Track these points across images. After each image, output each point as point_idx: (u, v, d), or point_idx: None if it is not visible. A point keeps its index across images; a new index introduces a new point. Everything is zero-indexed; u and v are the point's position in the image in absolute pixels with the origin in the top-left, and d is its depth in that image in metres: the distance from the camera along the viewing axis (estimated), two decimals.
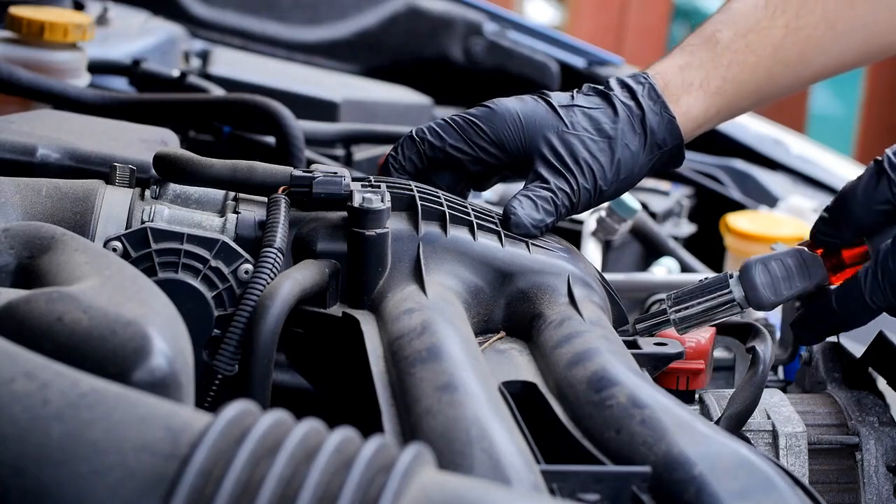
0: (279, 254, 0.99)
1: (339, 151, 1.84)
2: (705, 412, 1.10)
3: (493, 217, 1.08)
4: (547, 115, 1.15)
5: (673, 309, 1.10)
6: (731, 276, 1.09)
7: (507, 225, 1.09)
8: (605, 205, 1.64)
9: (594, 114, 1.16)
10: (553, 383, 0.94)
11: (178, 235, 0.99)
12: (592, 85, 1.19)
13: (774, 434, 1.09)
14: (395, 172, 1.15)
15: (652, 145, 1.16)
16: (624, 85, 1.18)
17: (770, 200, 2.12)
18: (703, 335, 1.11)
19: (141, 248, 0.98)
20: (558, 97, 1.17)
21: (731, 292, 1.08)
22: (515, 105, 1.16)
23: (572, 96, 1.17)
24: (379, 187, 1.05)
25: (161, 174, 1.06)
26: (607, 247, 1.71)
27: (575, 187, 1.12)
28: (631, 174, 1.15)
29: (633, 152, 1.15)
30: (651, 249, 1.72)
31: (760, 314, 1.40)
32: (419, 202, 1.05)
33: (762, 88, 1.06)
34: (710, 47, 1.21)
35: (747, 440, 1.07)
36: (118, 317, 0.74)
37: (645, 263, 1.77)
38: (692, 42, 1.23)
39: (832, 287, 1.08)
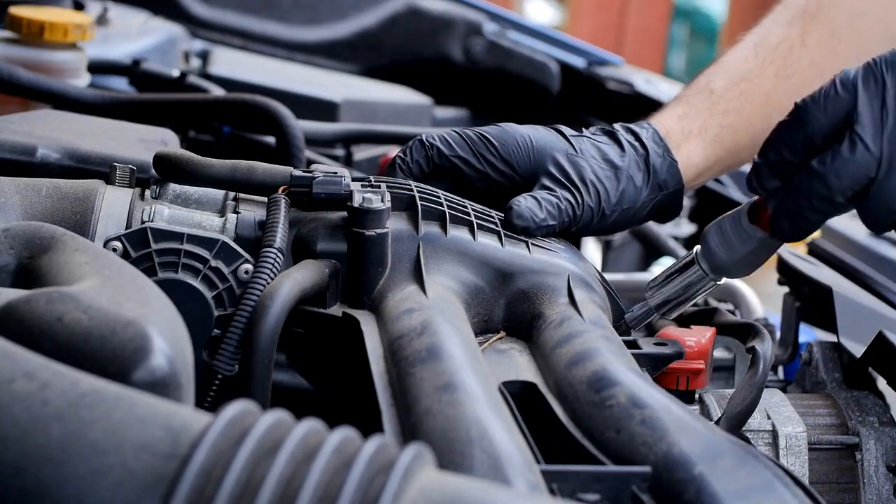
0: (279, 254, 0.99)
1: (339, 151, 1.84)
2: (705, 412, 1.10)
3: (492, 217, 1.08)
4: (557, 140, 1.17)
5: (650, 294, 1.11)
6: (697, 250, 1.09)
7: (509, 216, 1.09)
8: None
9: (602, 146, 1.18)
10: (553, 383, 0.94)
11: (178, 235, 0.99)
12: (601, 126, 1.22)
13: (774, 434, 1.09)
14: (400, 173, 1.16)
15: (654, 185, 1.18)
16: (628, 129, 1.22)
17: None
18: (703, 335, 1.11)
19: (141, 248, 0.98)
20: (568, 130, 1.20)
21: (696, 264, 1.09)
22: (527, 129, 1.18)
23: (581, 131, 1.21)
24: (379, 187, 1.05)
25: (161, 174, 1.06)
26: (607, 247, 1.71)
27: (580, 200, 1.13)
28: (633, 206, 1.18)
29: (637, 187, 1.18)
30: (651, 249, 1.72)
31: (760, 313, 1.40)
32: (419, 202, 1.05)
33: (758, 137, 1.08)
34: (706, 96, 1.25)
35: (747, 440, 1.07)
36: (118, 317, 0.74)
37: (645, 263, 1.78)
38: (687, 93, 1.27)
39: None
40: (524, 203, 1.10)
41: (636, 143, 1.19)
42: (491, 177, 1.16)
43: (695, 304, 1.30)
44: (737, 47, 1.30)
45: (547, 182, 1.15)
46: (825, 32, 1.28)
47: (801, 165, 1.00)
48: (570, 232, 1.15)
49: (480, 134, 1.17)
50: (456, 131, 1.17)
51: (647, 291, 1.12)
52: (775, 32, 1.29)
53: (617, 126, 1.22)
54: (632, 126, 1.22)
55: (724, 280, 1.10)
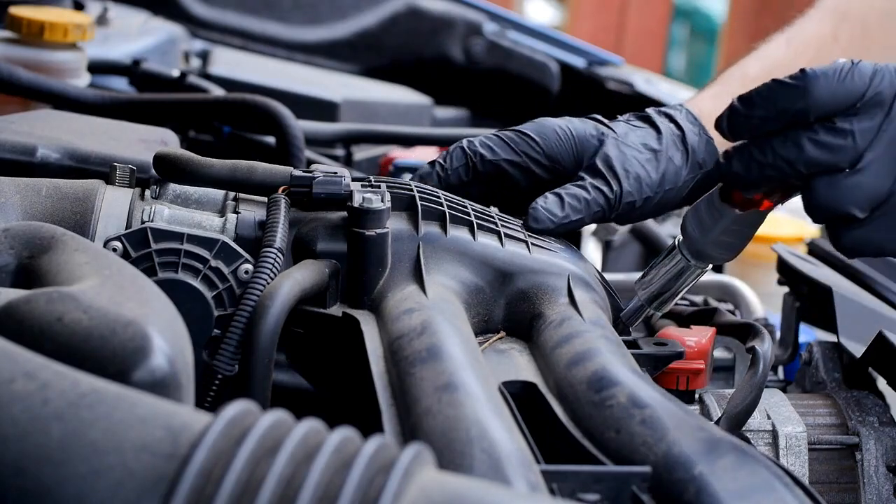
0: (279, 254, 0.99)
1: (339, 151, 1.84)
2: (705, 412, 1.10)
3: (492, 217, 1.08)
4: (595, 129, 1.18)
5: (639, 289, 1.10)
6: (678, 238, 1.09)
7: (526, 220, 1.11)
8: None
9: (639, 131, 1.19)
10: (553, 383, 0.94)
11: (178, 235, 0.99)
12: (634, 113, 1.23)
13: (774, 434, 1.09)
14: (439, 182, 1.16)
15: (693, 164, 1.18)
16: (661, 112, 1.22)
17: None
18: (703, 335, 1.11)
19: (141, 248, 0.98)
20: (602, 119, 1.20)
21: (678, 253, 1.08)
22: (564, 122, 1.18)
23: (616, 117, 1.21)
24: (379, 187, 1.05)
25: (161, 174, 1.06)
26: (607, 247, 1.71)
27: (616, 189, 1.13)
28: (674, 187, 1.17)
29: (677, 167, 1.17)
30: (651, 249, 1.72)
31: (760, 313, 1.40)
32: (419, 202, 1.05)
33: None
34: (740, 79, 1.25)
35: (747, 440, 1.07)
36: (118, 317, 0.74)
37: (645, 263, 1.77)
38: (721, 79, 1.28)
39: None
40: (542, 204, 1.11)
41: (671, 125, 1.19)
42: (535, 174, 1.17)
43: (693, 304, 1.30)
44: (769, 42, 1.31)
45: (584, 173, 1.15)
46: (856, 30, 1.29)
47: (781, 130, 0.98)
48: (615, 219, 1.15)
49: (521, 132, 1.17)
50: (496, 134, 1.17)
51: (636, 287, 1.11)
52: (808, 29, 1.30)
53: (650, 110, 1.22)
54: (664, 109, 1.22)
55: (710, 267, 1.09)
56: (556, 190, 1.13)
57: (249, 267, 0.99)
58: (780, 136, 0.98)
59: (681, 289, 1.10)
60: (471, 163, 1.17)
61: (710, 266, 1.09)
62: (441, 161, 1.17)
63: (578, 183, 1.14)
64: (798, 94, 0.97)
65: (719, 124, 1.01)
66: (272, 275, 0.97)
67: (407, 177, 1.46)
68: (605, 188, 1.13)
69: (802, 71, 0.97)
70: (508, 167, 1.16)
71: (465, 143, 1.17)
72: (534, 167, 1.16)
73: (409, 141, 1.75)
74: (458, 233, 1.05)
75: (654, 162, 1.16)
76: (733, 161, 1.00)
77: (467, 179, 1.17)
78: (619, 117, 1.21)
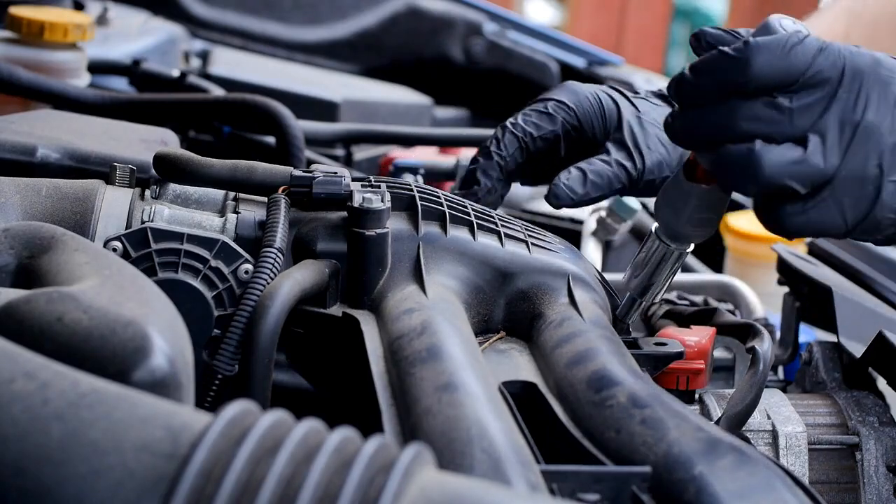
0: (279, 254, 0.99)
1: (339, 151, 1.84)
2: (705, 412, 1.10)
3: (492, 217, 1.08)
4: (620, 101, 1.21)
5: (627, 283, 1.10)
6: (654, 224, 1.09)
7: (547, 196, 1.14)
8: (606, 204, 1.64)
9: (659, 109, 1.21)
10: (553, 383, 0.94)
11: (178, 235, 0.99)
12: (652, 91, 1.25)
13: (774, 434, 1.09)
14: (501, 172, 1.19)
15: None
16: None
17: None
18: (703, 335, 1.11)
19: (141, 248, 0.98)
20: (628, 92, 1.23)
21: (656, 239, 1.08)
22: (593, 89, 1.21)
23: (636, 93, 1.22)
24: (379, 187, 1.05)
25: (161, 174, 1.06)
26: (607, 247, 1.71)
27: (639, 165, 1.16)
28: None
29: None
30: None
31: (760, 313, 1.40)
32: (419, 202, 1.05)
33: None
34: None
35: (747, 440, 1.07)
36: (118, 317, 0.74)
37: None
38: None
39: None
40: (563, 179, 1.13)
41: None
42: (571, 141, 1.20)
43: (693, 304, 1.30)
44: None
45: (610, 146, 1.18)
46: (868, 31, 1.29)
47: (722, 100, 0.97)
48: (633, 193, 1.17)
49: (557, 101, 1.20)
50: (532, 109, 1.20)
51: (624, 283, 1.11)
52: (821, 25, 1.31)
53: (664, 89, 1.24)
54: None
55: (692, 247, 1.07)
56: (580, 164, 1.16)
57: (249, 267, 0.99)
58: (720, 105, 0.97)
59: (666, 274, 1.08)
60: (523, 144, 1.20)
61: (692, 246, 1.08)
62: (497, 150, 1.20)
63: (603, 157, 1.17)
64: (739, 65, 0.95)
65: (668, 89, 1.01)
66: (272, 275, 0.97)
67: (409, 177, 1.47)
68: (628, 164, 1.17)
69: (746, 42, 0.96)
70: (553, 139, 1.20)
71: (509, 125, 1.19)
72: (572, 133, 1.20)
73: (409, 141, 1.75)
74: (458, 233, 1.05)
75: (672, 147, 1.19)
76: (674, 122, 1.00)
77: (522, 161, 1.20)
78: (640, 93, 1.23)
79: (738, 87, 0.96)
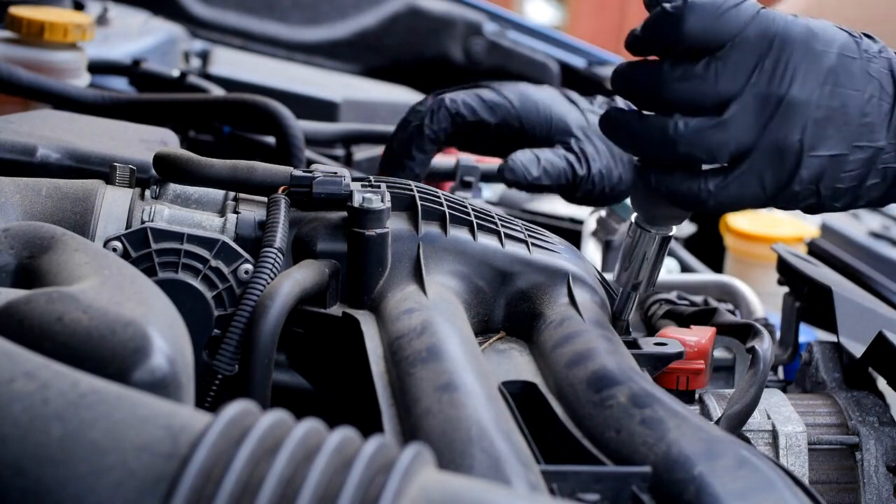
0: (279, 254, 0.99)
1: (339, 151, 1.84)
2: (705, 412, 1.10)
3: (492, 217, 1.08)
4: (572, 111, 1.24)
5: (618, 279, 1.09)
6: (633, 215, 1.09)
7: (502, 168, 1.19)
8: None
9: None
10: (553, 383, 0.94)
11: (178, 235, 0.99)
12: (607, 101, 1.27)
13: (774, 434, 1.09)
14: (425, 140, 1.19)
15: None
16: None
17: None
18: (703, 335, 1.11)
19: (141, 248, 0.98)
20: (582, 101, 1.26)
21: (636, 227, 1.07)
22: (547, 98, 1.24)
23: (591, 102, 1.22)
24: (379, 187, 1.05)
25: (161, 174, 1.06)
26: (607, 247, 1.71)
27: (582, 172, 1.20)
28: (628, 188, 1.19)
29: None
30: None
31: (760, 313, 1.40)
32: (419, 202, 1.05)
33: None
34: None
35: (747, 440, 1.07)
36: (118, 317, 0.74)
37: None
38: None
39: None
40: (520, 158, 1.16)
41: None
42: (511, 130, 1.25)
43: (693, 304, 1.30)
44: None
45: (559, 147, 1.22)
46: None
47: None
48: (573, 200, 1.18)
49: (504, 96, 1.22)
50: (477, 95, 1.22)
51: (616, 279, 1.10)
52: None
53: (619, 101, 1.27)
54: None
55: (674, 231, 1.07)
56: (533, 150, 1.17)
57: (249, 267, 0.99)
58: (652, 65, 0.97)
59: (654, 262, 1.08)
60: (456, 121, 1.27)
61: (674, 230, 1.07)
62: (429, 124, 1.26)
63: (554, 151, 1.20)
64: (672, 22, 0.96)
65: (625, 43, 1.01)
66: (272, 275, 0.97)
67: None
68: (576, 165, 1.20)
69: (684, 1, 0.96)
70: (486, 126, 1.25)
71: (447, 101, 1.21)
72: (511, 125, 1.24)
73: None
74: (458, 233, 1.05)
75: (617, 161, 1.22)
76: (617, 75, 1.00)
77: (452, 132, 1.27)
78: (594, 103, 1.24)
79: (671, 44, 0.96)
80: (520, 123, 1.22)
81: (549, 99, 1.22)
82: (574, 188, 1.16)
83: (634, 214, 1.07)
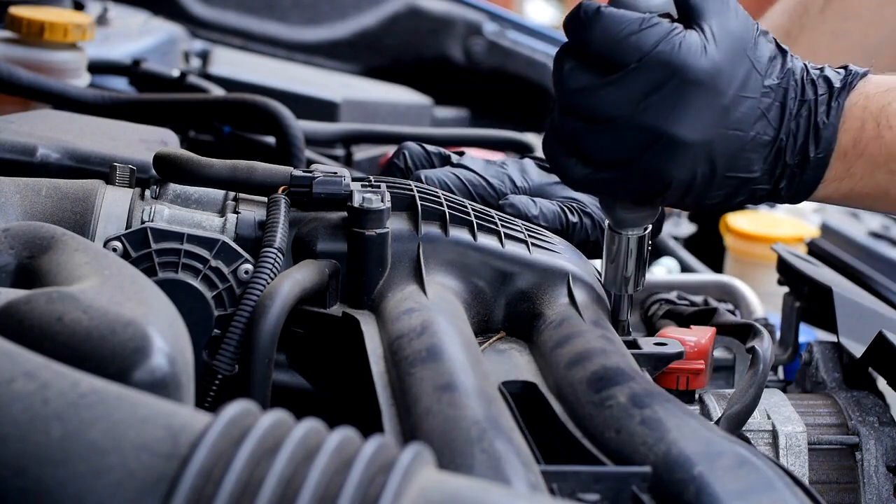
0: (279, 254, 0.99)
1: (339, 151, 1.84)
2: (705, 412, 1.10)
3: (493, 217, 1.08)
4: (553, 186, 1.22)
5: (607, 283, 1.09)
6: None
7: (502, 203, 1.16)
8: None
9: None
10: (553, 383, 0.94)
11: (178, 235, 0.99)
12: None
13: (774, 434, 1.09)
14: None
15: None
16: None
17: None
18: (703, 335, 1.11)
19: (141, 248, 0.98)
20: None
21: (608, 230, 1.08)
22: (530, 173, 1.23)
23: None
24: (379, 187, 1.05)
25: (161, 174, 1.06)
26: None
27: (575, 220, 1.19)
28: None
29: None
30: (651, 249, 1.72)
31: (760, 313, 1.40)
32: (419, 202, 1.05)
33: None
34: None
35: (747, 440, 1.07)
36: (118, 317, 0.74)
37: None
38: None
39: None
40: (519, 198, 1.16)
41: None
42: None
43: (693, 304, 1.30)
44: None
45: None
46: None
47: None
48: (583, 247, 1.18)
49: (486, 180, 1.19)
50: (455, 174, 1.19)
51: (603, 284, 1.10)
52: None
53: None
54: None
55: (647, 229, 1.07)
56: (529, 197, 1.18)
57: (249, 267, 0.99)
58: (561, 60, 0.99)
59: (635, 261, 1.08)
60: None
61: (648, 228, 1.07)
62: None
63: (551, 201, 1.19)
64: (580, 26, 0.96)
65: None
66: (272, 275, 0.97)
67: None
68: (568, 214, 1.19)
69: (598, 8, 0.96)
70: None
71: (423, 176, 1.18)
72: (490, 204, 1.19)
73: (408, 141, 1.75)
74: (459, 233, 1.05)
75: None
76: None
77: None
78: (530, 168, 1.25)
79: (578, 46, 0.97)
80: (497, 197, 1.20)
81: (531, 172, 1.22)
82: (569, 236, 1.16)
83: (607, 220, 1.08)
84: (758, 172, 0.99)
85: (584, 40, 0.96)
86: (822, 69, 1.00)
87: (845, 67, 1.01)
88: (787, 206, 2.03)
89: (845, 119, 0.99)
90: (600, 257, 1.16)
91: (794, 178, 1.00)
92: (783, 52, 1.00)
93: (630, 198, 1.02)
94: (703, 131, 0.96)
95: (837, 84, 0.99)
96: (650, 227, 1.07)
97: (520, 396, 0.93)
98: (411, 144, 1.24)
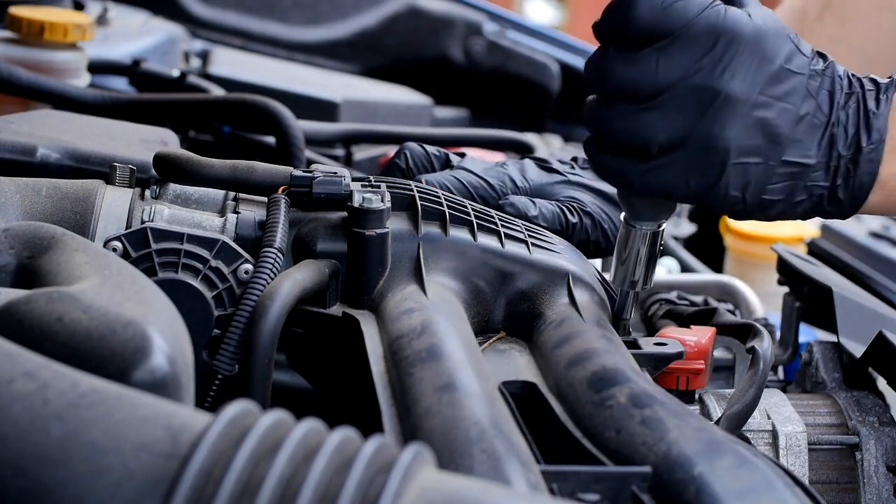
0: (279, 254, 0.99)
1: (339, 151, 1.84)
2: (705, 412, 1.10)
3: (493, 217, 1.08)
4: (553, 186, 1.21)
5: (615, 280, 1.09)
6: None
7: (503, 203, 1.15)
8: None
9: (595, 184, 1.22)
10: (553, 383, 0.94)
11: (178, 235, 0.99)
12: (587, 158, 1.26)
13: (774, 434, 1.09)
14: None
15: None
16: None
17: None
18: (703, 335, 1.11)
19: (141, 248, 0.98)
20: (559, 166, 1.24)
21: (623, 225, 1.08)
22: (530, 174, 1.22)
23: (572, 166, 1.24)
24: (379, 187, 1.05)
25: (161, 174, 1.06)
26: None
27: (575, 220, 1.18)
28: None
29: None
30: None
31: (760, 313, 1.40)
32: (419, 202, 1.05)
33: None
34: None
35: (747, 440, 1.07)
36: (118, 317, 0.74)
37: None
38: None
39: None
40: (518, 198, 1.16)
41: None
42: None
43: (693, 304, 1.30)
44: None
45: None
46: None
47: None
48: (583, 247, 1.17)
49: (487, 181, 1.19)
50: (455, 176, 1.18)
51: (612, 279, 1.10)
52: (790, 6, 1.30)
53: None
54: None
55: (662, 225, 1.07)
56: (529, 198, 1.17)
57: (249, 267, 0.99)
58: (601, 51, 0.99)
59: (646, 258, 1.08)
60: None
61: (661, 225, 1.07)
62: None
63: (551, 203, 1.18)
64: (624, 9, 0.97)
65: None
66: (272, 275, 0.97)
67: None
68: (568, 215, 1.18)
69: None
70: None
71: (424, 180, 1.18)
72: (490, 205, 1.19)
73: (408, 141, 1.75)
74: (459, 233, 1.05)
75: (610, 207, 1.21)
76: (584, 68, 1.02)
77: None
78: (576, 165, 1.25)
79: (622, 31, 0.97)
80: (497, 198, 1.20)
81: (531, 174, 1.22)
82: (569, 236, 1.16)
83: (623, 213, 1.07)
84: (813, 159, 0.99)
85: (626, 21, 0.97)
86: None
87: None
88: None
89: (894, 112, 1.00)
90: (600, 257, 1.16)
91: (849, 176, 1.00)
92: (822, 54, 1.01)
93: (690, 188, 0.99)
94: (756, 91, 0.97)
95: (883, 81, 1.01)
96: (665, 224, 1.07)
97: (520, 396, 0.93)
98: (412, 145, 1.24)
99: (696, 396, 1.11)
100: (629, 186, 1.02)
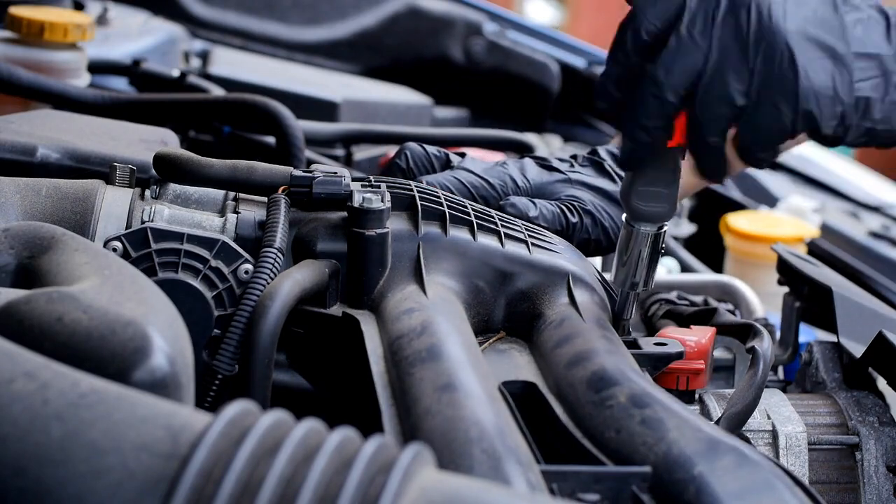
0: (279, 254, 0.99)
1: (339, 151, 1.84)
2: (705, 412, 1.10)
3: (493, 217, 1.08)
4: (553, 184, 1.21)
5: (616, 280, 1.09)
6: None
7: (503, 204, 1.15)
8: None
9: (591, 180, 1.22)
10: (553, 383, 0.94)
11: (178, 235, 0.99)
12: (587, 156, 1.26)
13: (774, 434, 1.09)
14: None
15: None
16: (613, 154, 1.25)
17: (770, 200, 2.12)
18: (703, 335, 1.11)
19: (141, 248, 0.98)
20: (563, 166, 1.24)
21: (625, 226, 1.08)
22: (530, 173, 1.22)
23: (571, 164, 1.24)
24: (379, 187, 1.05)
25: (161, 174, 1.06)
26: None
27: (575, 220, 1.18)
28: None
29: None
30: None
31: (760, 313, 1.40)
32: (419, 202, 1.05)
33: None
34: None
35: (747, 440, 1.07)
36: (118, 316, 0.74)
37: None
38: None
39: None
40: (518, 199, 1.16)
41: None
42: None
43: (693, 304, 1.30)
44: None
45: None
46: None
47: (640, 73, 0.99)
48: (584, 247, 1.17)
49: (487, 181, 1.19)
50: (455, 177, 1.18)
51: (613, 280, 1.10)
52: None
53: (602, 153, 1.26)
54: (612, 149, 1.26)
55: (664, 228, 1.07)
56: (529, 198, 1.17)
57: (249, 267, 0.99)
58: (639, 79, 0.99)
59: (647, 259, 1.08)
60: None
61: (663, 227, 1.07)
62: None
63: (551, 203, 1.19)
64: (628, 23, 0.99)
65: (594, 96, 1.03)
66: (272, 275, 0.97)
67: None
68: (568, 215, 1.18)
69: (629, 1, 0.99)
70: None
71: (425, 181, 1.17)
72: (490, 205, 1.19)
73: (408, 141, 1.75)
74: (459, 233, 1.05)
75: (612, 205, 1.21)
76: (624, 136, 1.01)
77: None
78: (575, 163, 1.25)
79: (637, 36, 0.99)
80: (499, 198, 1.20)
81: (531, 172, 1.22)
82: (569, 237, 1.16)
83: (624, 214, 1.07)
84: (885, 50, 0.98)
85: (636, 27, 0.98)
86: None
87: None
88: (787, 205, 2.04)
89: None
90: (601, 255, 1.16)
91: None
92: None
93: (788, 116, 0.97)
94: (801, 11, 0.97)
95: None
96: (666, 226, 1.07)
97: (520, 396, 0.93)
98: (412, 145, 1.24)
99: (696, 396, 1.11)
100: (743, 153, 0.99)
